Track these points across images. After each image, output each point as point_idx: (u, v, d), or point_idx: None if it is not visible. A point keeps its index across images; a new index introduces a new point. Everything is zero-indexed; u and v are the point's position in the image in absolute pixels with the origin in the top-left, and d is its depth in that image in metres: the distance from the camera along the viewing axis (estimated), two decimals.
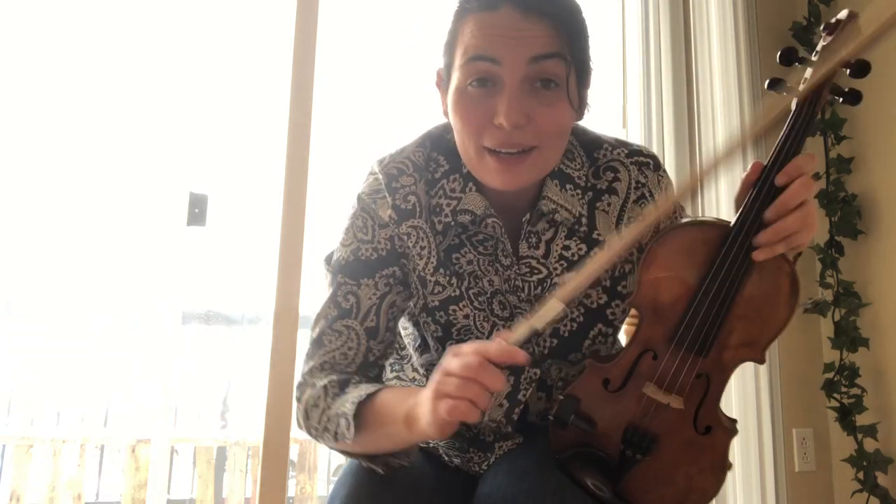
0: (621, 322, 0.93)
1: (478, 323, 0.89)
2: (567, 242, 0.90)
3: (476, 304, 0.89)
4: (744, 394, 2.00)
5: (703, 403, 0.83)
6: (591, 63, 0.87)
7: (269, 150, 1.98)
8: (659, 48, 2.25)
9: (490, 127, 0.80)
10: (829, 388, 2.12)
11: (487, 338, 0.85)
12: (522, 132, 0.80)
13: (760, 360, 0.83)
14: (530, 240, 0.89)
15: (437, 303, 0.89)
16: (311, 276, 1.81)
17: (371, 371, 0.91)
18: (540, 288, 0.89)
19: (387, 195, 0.89)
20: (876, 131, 2.13)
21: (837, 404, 2.10)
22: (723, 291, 0.77)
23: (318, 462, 3.39)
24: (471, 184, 0.89)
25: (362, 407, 0.79)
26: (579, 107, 0.86)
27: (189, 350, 3.49)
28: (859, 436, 2.04)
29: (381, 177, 0.90)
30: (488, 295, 0.89)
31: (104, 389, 3.43)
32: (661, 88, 2.22)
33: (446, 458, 0.98)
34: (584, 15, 0.86)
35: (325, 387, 0.84)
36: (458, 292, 0.89)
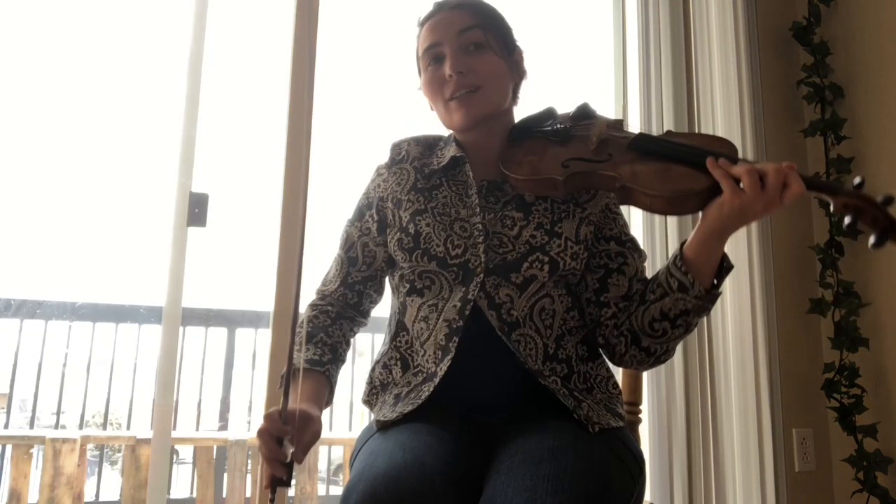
0: (559, 256, 1.09)
1: (436, 231, 1.12)
2: (510, 210, 1.14)
3: (438, 218, 1.14)
4: (744, 394, 2.00)
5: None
6: (512, 37, 1.20)
7: (269, 150, 1.98)
8: (659, 48, 2.25)
9: (445, 83, 1.13)
10: (829, 388, 2.12)
11: (442, 245, 1.10)
12: (466, 77, 1.12)
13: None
14: (489, 198, 1.16)
15: (407, 216, 1.16)
16: (311, 276, 1.81)
17: (350, 290, 1.23)
18: (480, 225, 1.12)
19: (391, 154, 1.25)
20: (876, 131, 2.13)
21: (837, 404, 2.10)
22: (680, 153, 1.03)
23: (317, 462, 3.39)
24: (453, 142, 1.21)
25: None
26: (514, 68, 1.19)
27: (189, 350, 3.50)
28: (859, 436, 2.04)
29: (392, 145, 1.26)
30: (451, 217, 1.14)
31: (104, 389, 3.43)
32: (661, 88, 2.22)
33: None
34: (497, 9, 1.20)
35: (308, 318, 1.20)
36: (423, 206, 1.16)
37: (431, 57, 1.15)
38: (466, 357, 1.07)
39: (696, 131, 2.19)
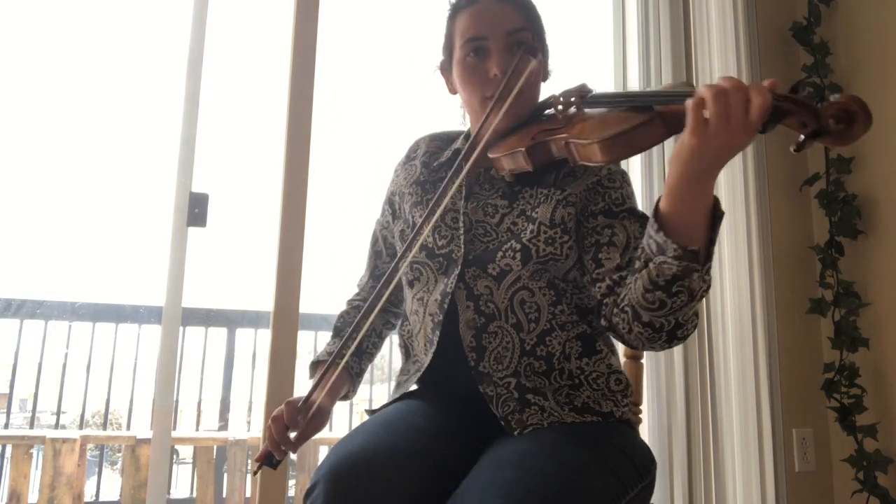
0: (531, 242, 1.07)
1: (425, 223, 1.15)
2: (495, 198, 1.16)
3: (429, 210, 1.14)
4: (744, 394, 2.00)
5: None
6: (546, 40, 1.20)
7: (269, 150, 1.98)
8: (659, 48, 2.25)
9: (487, 80, 1.11)
10: (829, 388, 2.12)
11: (431, 236, 1.14)
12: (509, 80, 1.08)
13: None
14: (483, 186, 1.17)
15: (407, 207, 1.21)
16: (310, 276, 1.81)
17: (378, 282, 1.28)
18: (462, 215, 1.14)
19: (406, 152, 1.31)
20: (876, 131, 2.12)
21: (837, 404, 2.10)
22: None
23: (318, 462, 3.39)
24: (463, 135, 1.23)
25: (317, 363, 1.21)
26: (544, 70, 1.19)
27: (189, 350, 3.50)
28: (859, 436, 2.04)
29: (410, 145, 1.31)
30: (446, 208, 1.15)
31: (104, 389, 3.43)
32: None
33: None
34: (538, 7, 1.20)
35: (339, 314, 1.30)
36: (419, 199, 1.20)
37: (473, 48, 1.12)
38: (455, 348, 1.09)
39: None
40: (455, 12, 1.17)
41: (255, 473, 1.05)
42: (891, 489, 2.00)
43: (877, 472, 2.01)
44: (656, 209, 0.87)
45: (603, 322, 1.03)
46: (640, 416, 1.36)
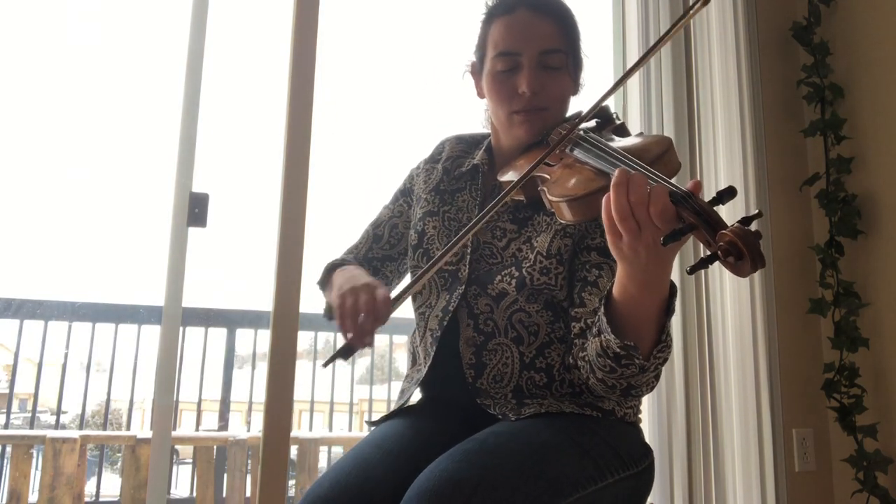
0: (527, 271, 1.07)
1: (439, 236, 1.17)
2: (505, 221, 1.15)
3: (444, 222, 1.18)
4: (744, 394, 2.00)
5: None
6: (582, 53, 1.18)
7: (270, 150, 1.98)
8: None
9: (515, 96, 1.11)
10: (829, 388, 2.12)
11: (441, 250, 1.09)
12: (538, 97, 1.10)
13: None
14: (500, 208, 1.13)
15: (420, 214, 1.21)
16: (311, 276, 1.81)
17: (366, 265, 1.26)
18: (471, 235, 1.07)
19: (432, 151, 1.30)
20: (876, 131, 2.13)
21: (837, 404, 2.09)
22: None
23: (318, 462, 3.39)
24: (484, 146, 1.23)
25: (333, 268, 1.23)
26: (575, 85, 1.18)
27: (189, 350, 3.50)
28: (859, 436, 2.04)
29: (437, 143, 1.31)
30: (461, 222, 1.16)
31: (104, 389, 3.43)
32: (661, 88, 2.22)
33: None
34: (576, 16, 1.17)
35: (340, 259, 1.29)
36: (434, 208, 1.20)
37: (504, 63, 1.12)
38: (454, 364, 1.11)
39: (697, 132, 2.19)
40: (490, 17, 1.16)
41: (325, 365, 0.99)
42: (891, 489, 2.00)
43: (877, 472, 2.01)
44: (609, 291, 0.88)
45: (570, 360, 1.06)
46: (640, 416, 1.36)
